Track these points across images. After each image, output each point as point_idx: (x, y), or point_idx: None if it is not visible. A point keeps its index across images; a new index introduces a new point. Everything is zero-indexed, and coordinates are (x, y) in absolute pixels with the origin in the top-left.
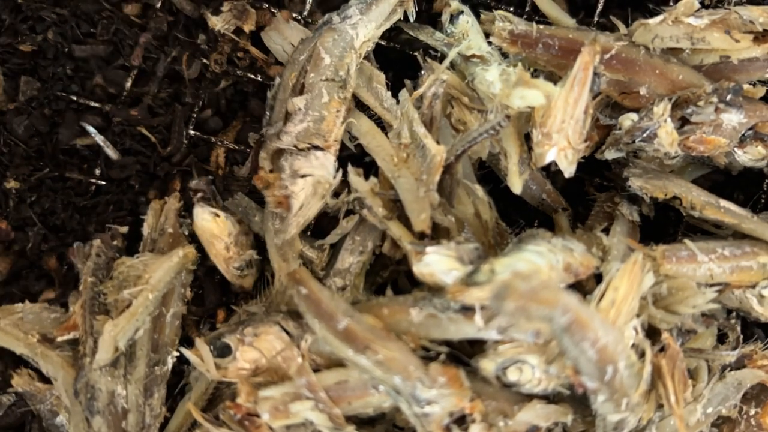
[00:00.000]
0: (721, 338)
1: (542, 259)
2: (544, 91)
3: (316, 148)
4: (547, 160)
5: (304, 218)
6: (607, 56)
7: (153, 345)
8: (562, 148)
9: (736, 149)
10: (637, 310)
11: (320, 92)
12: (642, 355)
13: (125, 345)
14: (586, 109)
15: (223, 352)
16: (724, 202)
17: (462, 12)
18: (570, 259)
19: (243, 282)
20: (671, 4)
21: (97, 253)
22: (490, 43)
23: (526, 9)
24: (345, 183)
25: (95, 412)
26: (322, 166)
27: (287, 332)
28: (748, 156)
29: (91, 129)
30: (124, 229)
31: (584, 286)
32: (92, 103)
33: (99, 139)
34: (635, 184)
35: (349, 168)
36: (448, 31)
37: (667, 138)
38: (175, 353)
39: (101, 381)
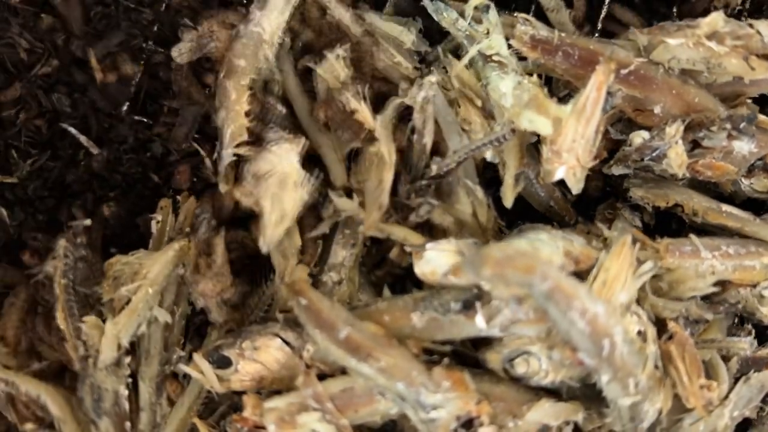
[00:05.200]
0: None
1: (542, 245)
2: (554, 117)
3: (254, 143)
4: (556, 177)
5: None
6: (624, 71)
7: (165, 343)
8: (572, 167)
9: (742, 178)
10: (638, 299)
11: (229, 92)
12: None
13: (128, 342)
14: (597, 127)
15: (222, 363)
16: (726, 207)
17: (489, 7)
18: (570, 247)
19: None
20: (674, 9)
21: (64, 254)
22: (510, 46)
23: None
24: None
25: (102, 413)
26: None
27: (288, 343)
28: (754, 187)
29: (72, 129)
30: (87, 222)
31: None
32: None
33: (83, 139)
34: (636, 194)
35: (330, 193)
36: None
37: (676, 159)
38: (181, 353)
39: (107, 381)
